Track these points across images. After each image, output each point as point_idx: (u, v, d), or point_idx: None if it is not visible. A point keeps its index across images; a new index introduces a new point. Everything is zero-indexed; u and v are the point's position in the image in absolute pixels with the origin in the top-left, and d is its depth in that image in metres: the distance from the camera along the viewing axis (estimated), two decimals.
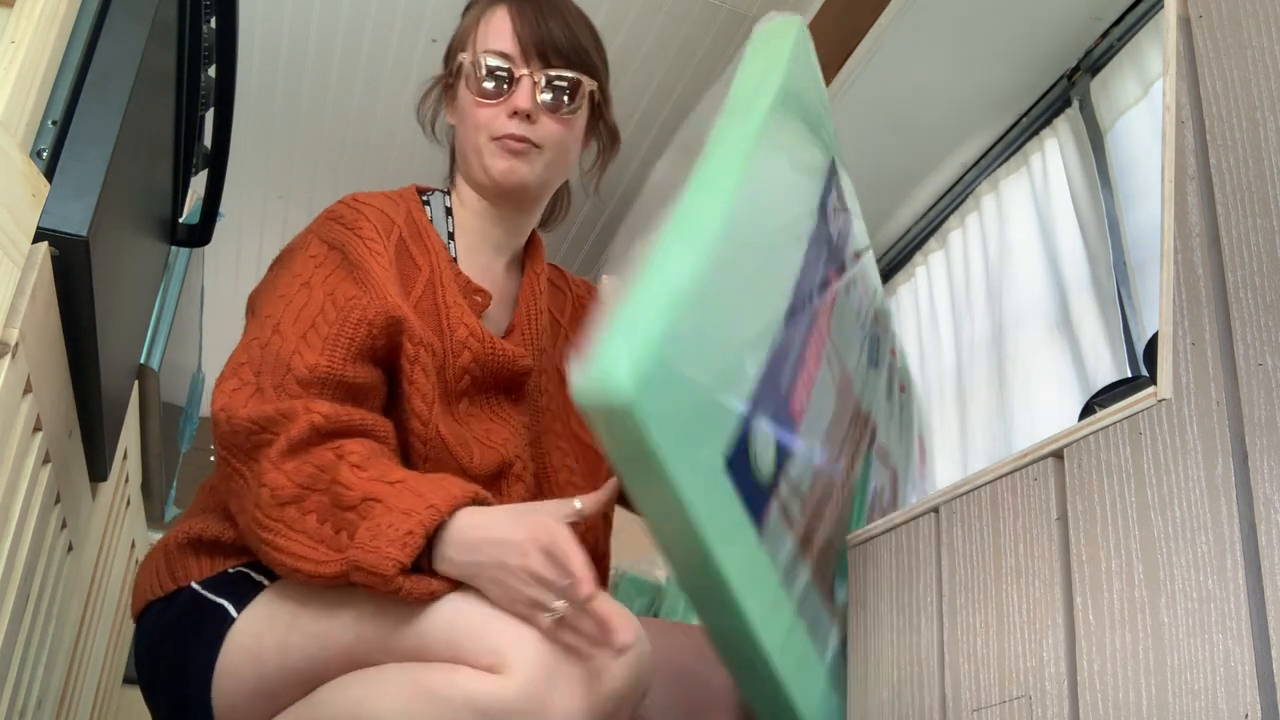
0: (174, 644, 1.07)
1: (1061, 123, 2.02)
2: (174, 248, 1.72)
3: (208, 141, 1.55)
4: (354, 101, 2.85)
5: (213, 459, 1.07)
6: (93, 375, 1.09)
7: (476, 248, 1.24)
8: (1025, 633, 0.83)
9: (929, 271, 2.43)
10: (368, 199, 1.18)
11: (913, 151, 2.25)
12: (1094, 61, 1.97)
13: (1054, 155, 2.03)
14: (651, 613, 2.31)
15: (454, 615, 0.94)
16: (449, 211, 1.24)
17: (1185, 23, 0.81)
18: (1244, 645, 0.65)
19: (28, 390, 0.89)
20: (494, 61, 1.18)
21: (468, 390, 1.16)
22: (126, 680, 2.11)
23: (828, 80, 2.13)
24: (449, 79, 1.26)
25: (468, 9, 1.28)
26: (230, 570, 1.09)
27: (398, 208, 1.18)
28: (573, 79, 1.19)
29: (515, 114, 1.17)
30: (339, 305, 1.07)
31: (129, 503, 1.78)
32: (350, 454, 1.00)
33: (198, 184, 1.62)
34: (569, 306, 1.35)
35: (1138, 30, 1.88)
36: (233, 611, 1.04)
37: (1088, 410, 0.93)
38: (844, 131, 2.20)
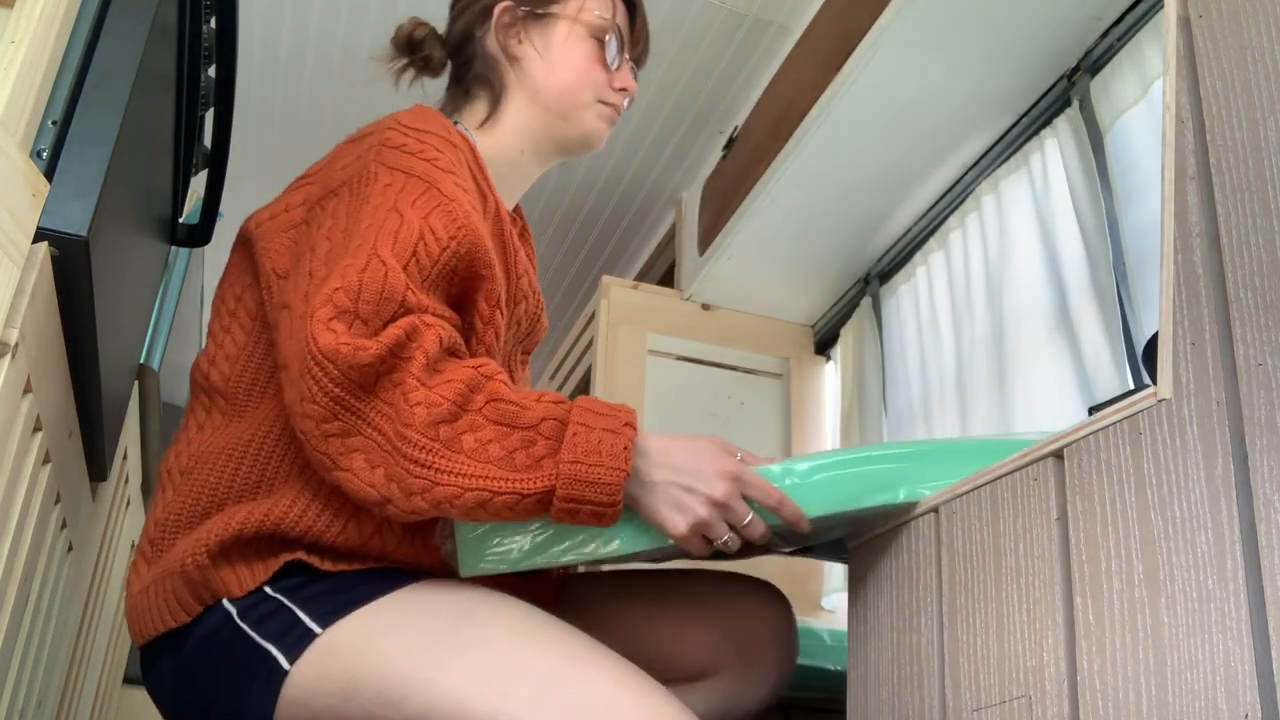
0: (217, 687, 0.97)
1: (1061, 123, 2.02)
2: (174, 248, 1.72)
3: (208, 141, 1.55)
4: (354, 101, 2.85)
5: (306, 408, 0.91)
6: (93, 375, 1.09)
7: (500, 190, 1.19)
8: (1025, 633, 0.83)
9: (929, 271, 2.43)
10: (422, 123, 1.10)
11: (913, 151, 2.25)
12: (1094, 61, 1.97)
13: (1054, 155, 2.03)
14: None
15: (500, 701, 0.90)
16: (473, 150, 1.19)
17: (1185, 23, 0.81)
18: (1244, 645, 0.65)
19: (28, 390, 0.89)
20: (619, 38, 1.25)
21: (508, 341, 1.15)
22: (126, 680, 2.11)
23: (828, 80, 2.13)
24: (535, 11, 1.24)
25: None
26: (267, 591, 0.98)
27: (451, 133, 1.12)
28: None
29: (623, 90, 1.25)
30: (438, 235, 0.99)
31: (129, 503, 1.78)
32: (494, 372, 0.94)
33: (198, 184, 1.62)
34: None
35: (1138, 30, 1.88)
36: (283, 663, 0.94)
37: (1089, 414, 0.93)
38: (844, 131, 2.21)
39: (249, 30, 2.50)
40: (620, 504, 0.91)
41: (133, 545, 1.94)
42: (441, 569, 1.03)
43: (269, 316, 1.05)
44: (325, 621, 0.95)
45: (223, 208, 1.62)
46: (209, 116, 1.52)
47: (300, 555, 0.98)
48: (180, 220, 1.58)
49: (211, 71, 1.45)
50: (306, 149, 3.04)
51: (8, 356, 0.81)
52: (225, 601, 0.98)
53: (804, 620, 2.15)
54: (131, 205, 1.13)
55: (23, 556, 1.00)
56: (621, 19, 1.26)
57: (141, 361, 1.62)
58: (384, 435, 0.90)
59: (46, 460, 1.03)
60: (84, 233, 0.88)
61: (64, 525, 1.21)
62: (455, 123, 1.21)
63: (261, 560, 0.98)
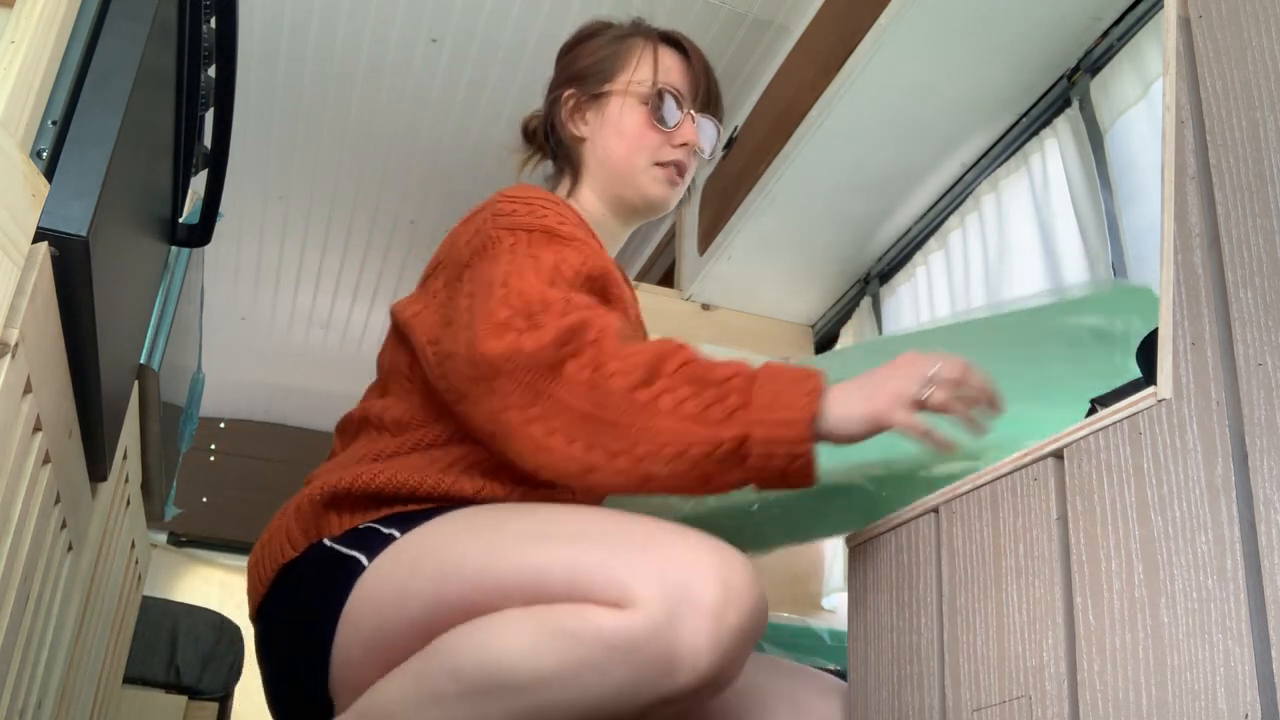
0: (302, 596, 1.09)
1: (1061, 123, 2.02)
2: (174, 248, 1.72)
3: (208, 141, 1.55)
4: (354, 101, 2.85)
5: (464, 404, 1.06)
6: (93, 375, 1.09)
7: None
8: (1025, 633, 0.83)
9: (929, 271, 2.43)
10: (525, 192, 1.23)
11: (913, 151, 2.25)
12: (1094, 61, 1.97)
13: (1054, 155, 2.03)
14: None
15: (574, 556, 0.95)
16: None
17: (1185, 23, 0.81)
18: (1244, 645, 0.65)
19: (28, 390, 0.89)
20: (672, 95, 1.33)
21: None
22: (127, 680, 2.11)
23: (828, 80, 2.12)
24: (590, 93, 1.35)
25: (617, 36, 1.38)
26: (361, 526, 1.09)
27: (552, 196, 1.25)
28: (718, 125, 1.39)
29: (684, 145, 1.33)
30: (571, 262, 1.12)
31: (129, 503, 1.78)
32: (682, 343, 1.03)
33: (198, 184, 1.62)
34: None
35: (1138, 30, 1.88)
36: (364, 561, 1.05)
37: (1090, 411, 0.94)
38: (844, 131, 2.21)
39: (249, 30, 2.50)
40: (812, 440, 0.95)
41: (133, 545, 1.94)
42: None
43: (433, 384, 1.16)
44: (405, 529, 1.07)
45: (222, 208, 1.62)
46: (209, 116, 1.52)
47: (398, 509, 1.10)
48: (180, 220, 1.58)
49: (211, 71, 1.45)
50: (306, 150, 3.06)
51: (8, 356, 0.81)
52: (326, 540, 1.10)
53: (804, 620, 2.15)
54: (131, 205, 1.13)
55: (23, 556, 1.00)
56: (675, 77, 1.34)
57: (141, 361, 1.62)
58: (579, 410, 0.99)
59: (46, 460, 1.03)
60: (84, 233, 0.88)
61: (64, 525, 1.21)
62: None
63: (364, 512, 1.11)
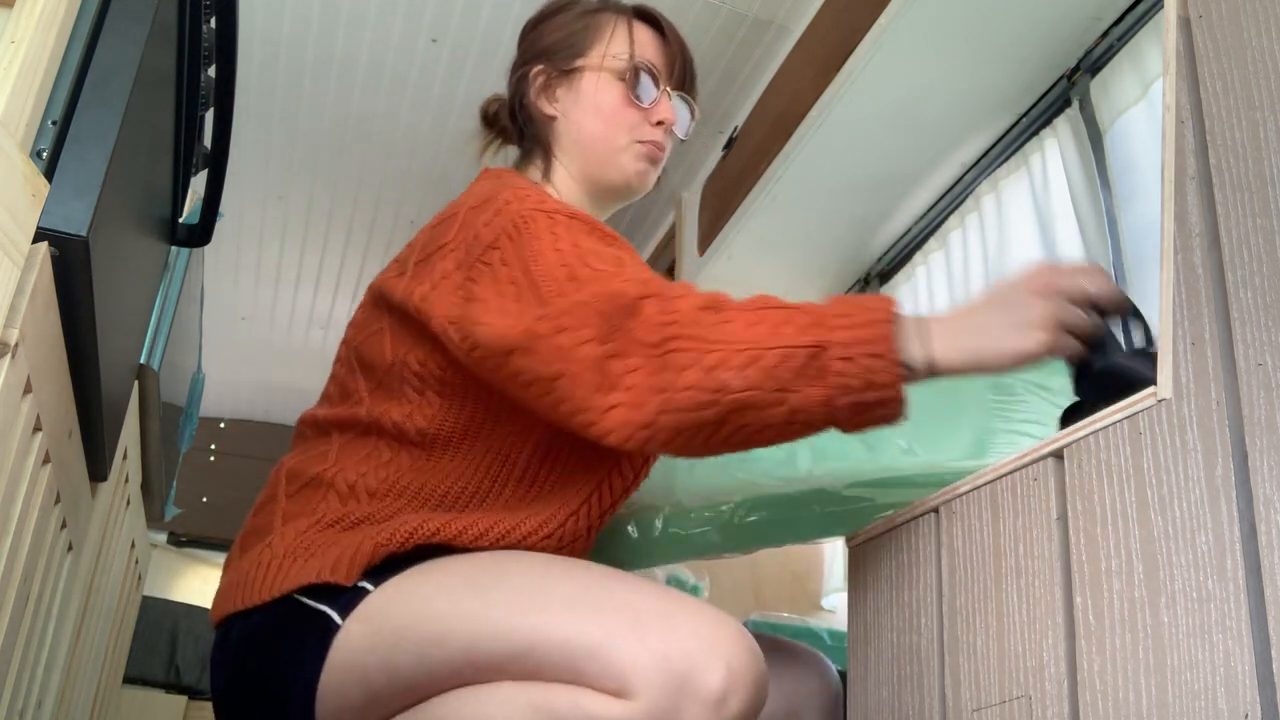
0: (272, 656, 1.02)
1: (1061, 123, 2.02)
2: (174, 248, 1.72)
3: (208, 141, 1.55)
4: (354, 101, 2.85)
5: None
6: (93, 375, 1.09)
7: None
8: (1025, 633, 0.83)
9: (929, 271, 2.43)
10: (515, 179, 1.19)
11: (913, 151, 2.25)
12: (1094, 61, 1.97)
13: (1054, 155, 2.03)
14: None
15: (569, 633, 0.90)
16: None
17: (1185, 23, 0.81)
18: (1244, 645, 0.65)
19: (28, 390, 0.89)
20: (648, 72, 1.26)
21: None
22: (126, 680, 2.11)
23: (828, 80, 2.13)
24: (561, 69, 1.27)
25: (586, 10, 1.31)
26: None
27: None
28: (692, 107, 1.31)
29: (660, 124, 1.26)
30: (609, 237, 1.10)
31: (129, 503, 1.78)
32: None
33: (198, 184, 1.62)
34: None
35: (1138, 30, 1.88)
36: (336, 619, 0.98)
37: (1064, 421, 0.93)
38: (844, 131, 2.21)
39: (249, 30, 2.50)
40: (897, 347, 0.88)
41: (133, 545, 1.94)
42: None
43: (462, 359, 1.07)
44: (376, 580, 1.00)
45: (223, 208, 1.62)
46: (209, 116, 1.52)
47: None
48: (180, 220, 1.58)
49: (211, 71, 1.45)
50: (306, 150, 3.06)
51: (8, 356, 0.81)
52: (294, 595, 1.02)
53: (804, 620, 2.15)
54: (131, 205, 1.13)
55: (23, 556, 1.00)
56: (650, 52, 1.27)
57: (141, 361, 1.62)
58: (651, 340, 0.92)
59: (46, 460, 1.03)
60: (84, 233, 0.88)
61: (64, 525, 1.21)
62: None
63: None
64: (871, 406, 0.88)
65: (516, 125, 1.31)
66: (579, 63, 1.27)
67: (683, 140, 1.31)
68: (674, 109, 1.27)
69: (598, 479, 1.14)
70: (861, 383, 0.87)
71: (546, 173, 1.28)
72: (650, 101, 1.26)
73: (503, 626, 0.92)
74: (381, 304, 1.17)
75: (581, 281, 0.99)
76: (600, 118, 1.25)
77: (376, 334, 1.17)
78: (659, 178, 1.32)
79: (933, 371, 0.90)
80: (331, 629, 0.98)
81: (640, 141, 1.25)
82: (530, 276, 1.02)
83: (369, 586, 1.00)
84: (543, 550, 1.09)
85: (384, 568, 1.01)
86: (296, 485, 1.14)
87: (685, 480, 1.28)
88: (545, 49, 1.30)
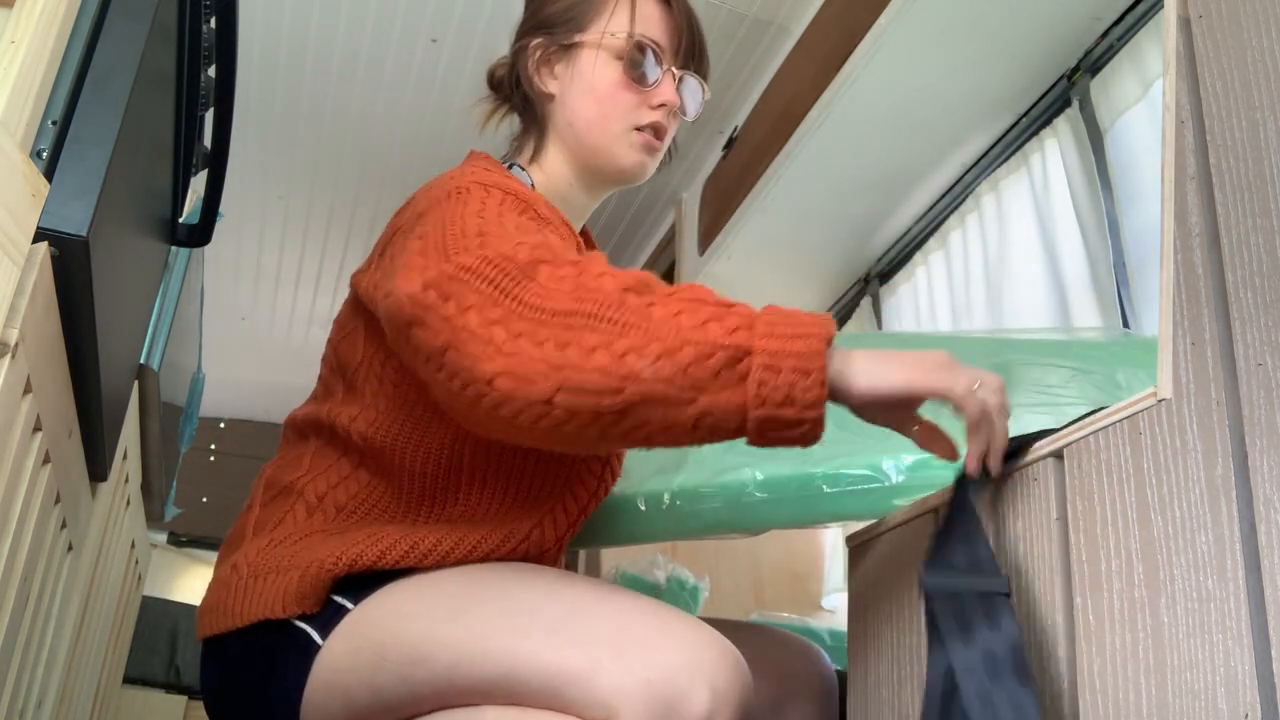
0: (256, 675, 1.01)
1: (1061, 123, 2.02)
2: (174, 248, 1.72)
3: (208, 141, 1.55)
4: (354, 101, 2.85)
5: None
6: (93, 375, 1.09)
7: None
8: (1025, 632, 0.83)
9: (929, 271, 2.43)
10: (484, 164, 1.14)
11: (913, 151, 2.25)
12: (1094, 61, 1.97)
13: (1054, 155, 2.03)
14: None
15: (552, 660, 0.88)
16: (532, 186, 1.19)
17: (1185, 23, 0.81)
18: (1244, 645, 0.65)
19: (28, 390, 0.89)
20: (650, 49, 1.18)
21: None
22: (126, 680, 2.11)
23: (828, 80, 2.13)
24: (560, 44, 1.21)
25: None
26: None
27: (506, 175, 1.13)
28: (702, 85, 1.23)
29: (663, 106, 1.18)
30: (533, 213, 1.03)
31: (129, 503, 1.78)
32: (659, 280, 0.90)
33: (198, 184, 1.62)
34: None
35: (1138, 30, 1.88)
36: (317, 639, 0.98)
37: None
38: (844, 131, 2.21)
39: (249, 30, 2.50)
40: (825, 365, 0.81)
41: (132, 545, 1.94)
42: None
43: (387, 334, 1.01)
44: (356, 599, 0.99)
45: (223, 208, 1.62)
46: (209, 116, 1.52)
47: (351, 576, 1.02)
48: (180, 220, 1.58)
49: (211, 71, 1.45)
50: (306, 150, 3.06)
51: (8, 356, 0.81)
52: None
53: (804, 620, 2.15)
54: (131, 205, 1.13)
55: (23, 556, 1.00)
56: (654, 29, 1.19)
57: (141, 361, 1.62)
58: (553, 309, 0.85)
59: (46, 460, 1.03)
60: (84, 233, 0.88)
61: (64, 525, 1.21)
62: (511, 165, 1.22)
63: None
64: (789, 424, 0.82)
65: (516, 98, 1.25)
66: (578, 38, 1.19)
67: (691, 121, 1.24)
68: (680, 88, 1.20)
69: (559, 487, 1.10)
70: (782, 396, 0.81)
71: (537, 153, 1.22)
72: (652, 82, 1.18)
73: (483, 649, 0.90)
74: (356, 301, 1.14)
75: (488, 239, 0.92)
76: (595, 100, 1.18)
77: (352, 333, 1.14)
78: (664, 162, 1.26)
79: (846, 398, 0.85)
80: (312, 649, 0.98)
81: (638, 129, 1.18)
82: (442, 234, 0.95)
83: (348, 604, 0.99)
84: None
85: (361, 582, 1.00)
86: (271, 493, 1.12)
87: (695, 453, 1.26)
88: (545, 20, 1.23)
